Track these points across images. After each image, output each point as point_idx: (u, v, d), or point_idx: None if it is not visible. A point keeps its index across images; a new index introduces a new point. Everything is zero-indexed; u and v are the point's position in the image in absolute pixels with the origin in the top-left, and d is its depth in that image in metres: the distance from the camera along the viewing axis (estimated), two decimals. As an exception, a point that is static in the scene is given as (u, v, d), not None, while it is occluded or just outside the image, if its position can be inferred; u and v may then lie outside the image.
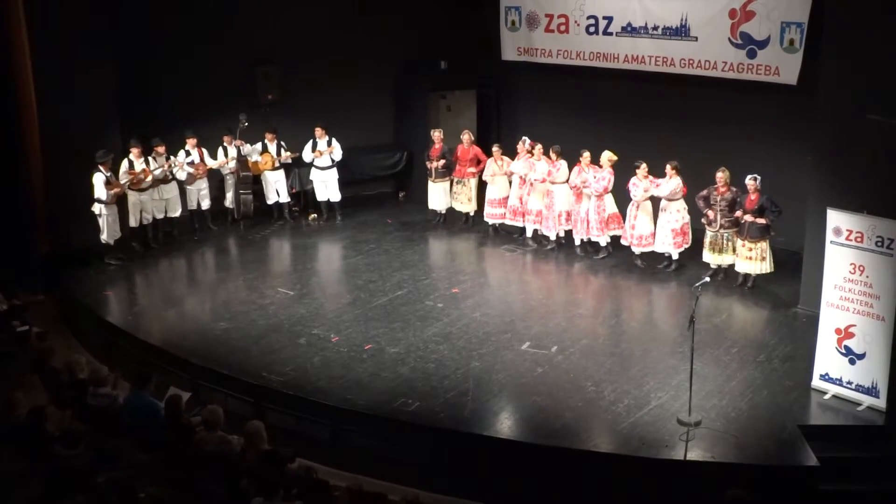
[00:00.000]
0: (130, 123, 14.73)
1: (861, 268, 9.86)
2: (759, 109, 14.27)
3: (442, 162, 15.74)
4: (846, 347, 10.03)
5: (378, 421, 9.93)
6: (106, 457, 7.60)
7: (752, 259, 12.64)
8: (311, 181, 16.26)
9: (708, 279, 10.21)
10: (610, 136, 16.20)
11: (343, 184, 16.28)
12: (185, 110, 15.25)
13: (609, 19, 15.41)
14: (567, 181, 14.41)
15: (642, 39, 15.07)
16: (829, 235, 10.12)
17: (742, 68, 13.98)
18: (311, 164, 16.08)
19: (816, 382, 10.26)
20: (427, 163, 15.89)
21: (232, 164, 15.67)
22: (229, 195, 16.01)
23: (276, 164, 15.97)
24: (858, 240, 9.88)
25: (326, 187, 16.11)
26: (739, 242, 12.73)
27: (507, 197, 15.18)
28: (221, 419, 8.25)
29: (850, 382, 10.02)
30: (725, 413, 9.79)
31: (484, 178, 15.41)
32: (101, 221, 13.99)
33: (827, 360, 10.18)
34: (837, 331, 10.08)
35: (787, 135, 13.89)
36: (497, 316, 12.38)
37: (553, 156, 14.49)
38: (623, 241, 14.03)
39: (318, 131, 15.85)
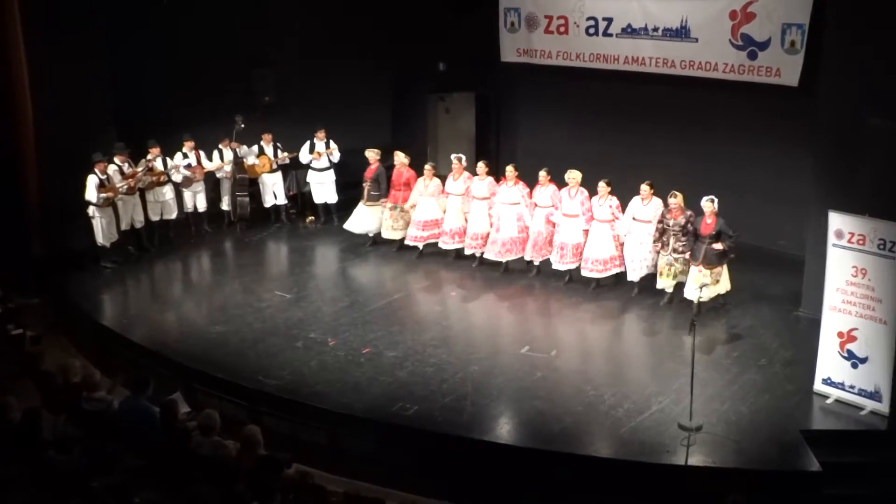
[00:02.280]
0: (126, 125, 14.72)
1: (863, 271, 9.84)
2: (760, 111, 14.26)
3: (367, 185, 14.77)
4: (848, 351, 10.01)
5: (375, 425, 9.91)
6: (100, 462, 7.57)
7: (709, 285, 11.70)
8: (308, 183, 16.23)
9: (708, 281, 10.20)
10: (609, 138, 16.26)
11: (340, 186, 16.26)
12: (181, 112, 15.23)
13: (609, 20, 15.41)
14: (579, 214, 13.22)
15: (643, 41, 15.07)
16: (831, 238, 10.09)
17: (743, 70, 13.98)
18: (308, 167, 16.06)
19: (818, 386, 10.24)
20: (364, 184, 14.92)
21: (228, 166, 15.65)
22: (226, 198, 16.00)
23: (273, 167, 15.95)
24: (861, 242, 9.85)
25: (324, 190, 16.08)
26: (695, 269, 12.01)
27: (438, 220, 14.23)
28: (217, 424, 8.22)
29: (852, 387, 10.00)
30: (727, 418, 9.78)
31: (409, 203, 14.36)
32: (96, 224, 13.97)
33: (829, 364, 10.16)
34: (840, 334, 10.06)
35: (788, 136, 13.87)
36: (495, 319, 12.35)
37: (543, 177, 13.50)
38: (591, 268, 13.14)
39: (319, 134, 15.81)
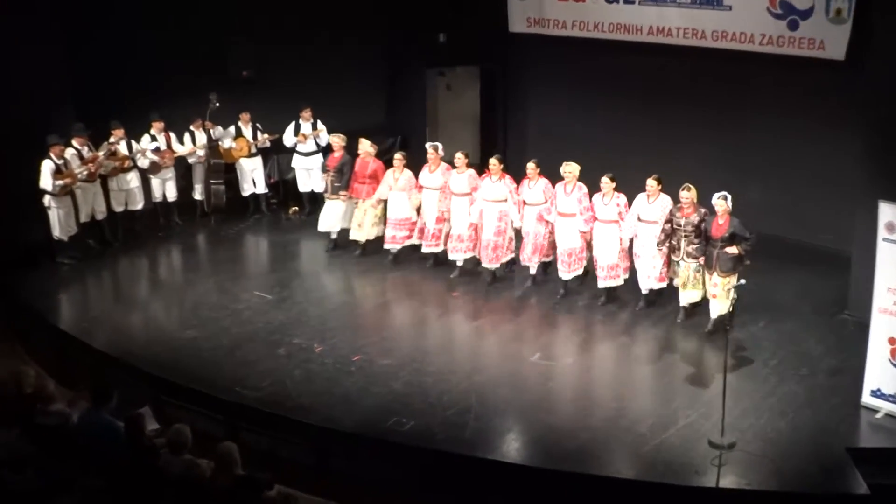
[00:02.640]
0: (86, 105, 14.72)
1: (918, 269, 9.85)
2: (800, 88, 14.27)
3: (330, 176, 14.53)
4: (901, 359, 10.03)
5: (368, 442, 9.91)
6: (57, 483, 7.57)
7: (718, 297, 11.56)
8: (293, 169, 16.23)
9: (743, 281, 10.18)
10: (630, 119, 16.27)
11: (328, 172, 16.26)
12: (148, 89, 15.22)
13: (632, -15, 15.43)
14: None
15: (669, 9, 15.08)
16: (882, 232, 10.08)
17: (782, 41, 13.98)
18: (293, 150, 16.05)
19: (867, 399, 10.24)
20: (324, 175, 14.95)
21: (201, 151, 15.66)
22: (198, 186, 16.01)
23: (252, 150, 15.97)
24: (915, 237, 9.86)
25: (310, 176, 16.06)
26: (709, 277, 11.74)
27: (411, 219, 13.98)
28: (189, 440, 8.22)
29: (905, 399, 10.02)
30: (763, 434, 9.78)
31: (375, 198, 14.10)
32: (52, 215, 13.98)
33: (879, 374, 10.15)
34: (891, 340, 10.07)
35: (832, 117, 13.88)
36: (502, 323, 12.36)
37: (531, 170, 13.13)
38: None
39: (305, 113, 15.81)
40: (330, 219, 14.62)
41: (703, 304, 12.06)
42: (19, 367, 9.74)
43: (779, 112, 14.55)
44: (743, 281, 10.11)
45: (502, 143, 18.57)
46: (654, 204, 12.22)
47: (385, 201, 14.11)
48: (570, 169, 12.74)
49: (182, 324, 12.51)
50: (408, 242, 14.07)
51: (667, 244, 12.01)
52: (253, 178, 16.23)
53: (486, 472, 9.54)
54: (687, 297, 12.05)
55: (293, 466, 9.96)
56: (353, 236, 14.41)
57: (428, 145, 13.98)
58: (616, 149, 16.52)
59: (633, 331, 12.24)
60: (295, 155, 16.10)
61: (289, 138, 15.95)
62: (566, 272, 12.83)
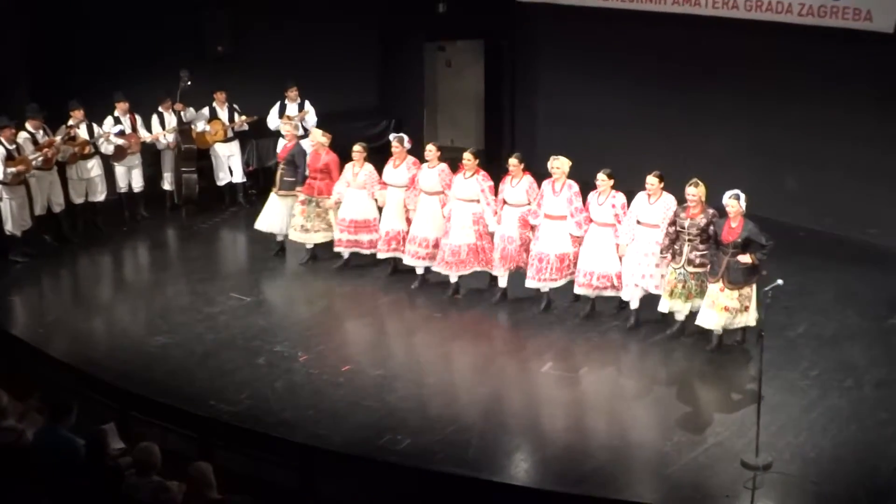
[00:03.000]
0: (41, 84, 14.71)
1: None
2: (845, 64, 14.27)
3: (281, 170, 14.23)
4: (957, 369, 10.04)
5: (358, 462, 9.92)
6: (10, 508, 7.60)
7: (731, 310, 11.19)
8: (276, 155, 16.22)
9: (780, 282, 10.13)
10: (651, 99, 16.28)
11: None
12: (112, 66, 15.24)
13: (654, -51, 15.46)
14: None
15: (696, -25, 15.10)
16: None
17: (824, 12, 13.99)
18: (276, 134, 16.04)
19: (919, 414, 10.26)
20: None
21: (171, 135, 15.65)
22: (168, 174, 16.03)
23: (229, 135, 15.99)
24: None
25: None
26: (714, 287, 11.30)
27: (371, 220, 13.69)
28: (158, 460, 8.22)
29: (961, 414, 10.03)
30: (803, 453, 9.77)
31: (333, 198, 13.78)
32: (3, 207, 14.00)
33: (932, 386, 10.17)
34: (946, 348, 10.07)
35: (880, 96, 13.89)
36: (509, 329, 12.36)
37: (514, 166, 12.70)
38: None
39: (291, 93, 15.81)
40: (273, 217, 14.25)
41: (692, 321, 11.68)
42: (-34, 379, 9.74)
43: (819, 92, 14.56)
44: (780, 281, 10.07)
45: (509, 127, 18.60)
46: (655, 204, 11.83)
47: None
48: (559, 164, 12.33)
49: (150, 329, 12.50)
50: (360, 250, 13.76)
51: (671, 251, 11.60)
52: (229, 165, 16.24)
53: (491, 496, 9.53)
54: (676, 306, 11.70)
55: (274, 489, 9.97)
56: (294, 237, 14.09)
57: (392, 137, 13.75)
58: (634, 133, 16.60)
59: (663, 335, 12.22)
60: (281, 140, 16.07)
61: (273, 120, 15.95)
62: (554, 279, 12.42)
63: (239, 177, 16.37)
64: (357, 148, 13.74)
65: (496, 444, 10.10)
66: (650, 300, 12.09)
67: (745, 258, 11.08)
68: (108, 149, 15.14)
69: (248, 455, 10.24)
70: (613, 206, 12.05)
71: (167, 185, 16.09)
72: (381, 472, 9.84)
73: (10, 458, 8.53)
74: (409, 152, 13.65)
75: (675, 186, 15.76)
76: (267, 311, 12.86)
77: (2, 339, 12.51)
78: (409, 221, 13.35)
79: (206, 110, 15.90)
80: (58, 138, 14.44)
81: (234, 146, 16.14)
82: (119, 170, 15.47)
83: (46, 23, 14.91)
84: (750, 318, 11.34)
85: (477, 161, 12.91)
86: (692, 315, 11.70)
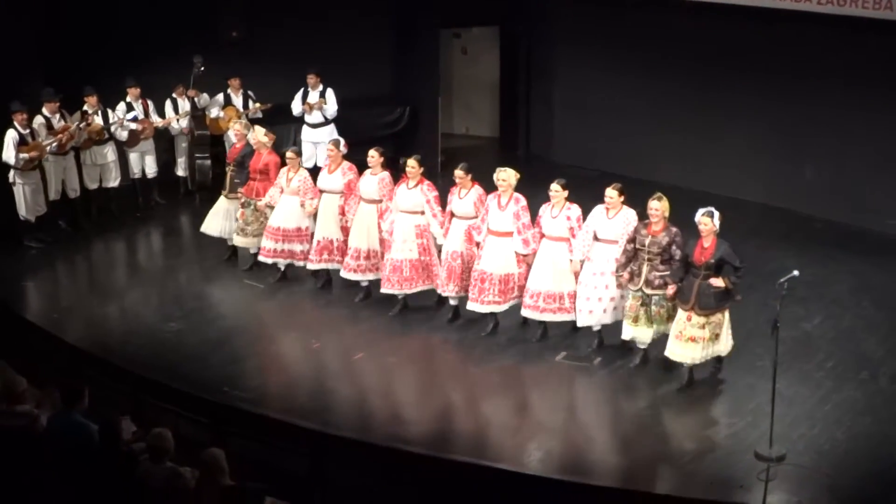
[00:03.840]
0: (55, 69, 14.75)
1: None
2: (865, 53, 14.23)
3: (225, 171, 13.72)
4: (974, 362, 10.03)
5: (371, 450, 9.97)
6: (23, 492, 7.64)
7: (702, 339, 10.41)
8: (300, 142, 16.20)
9: (797, 272, 10.08)
10: (671, 88, 16.24)
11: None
12: (125, 52, 15.26)
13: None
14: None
15: (716, -38, 15.06)
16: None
17: (844, 0, 13.91)
18: (298, 120, 16.07)
19: (935, 407, 10.26)
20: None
21: (184, 121, 15.70)
22: (181, 161, 16.07)
23: (243, 121, 15.97)
24: None
25: (317, 151, 15.95)
26: (682, 315, 10.51)
27: (304, 229, 13.02)
28: (171, 446, 8.28)
29: (978, 407, 10.02)
30: (817, 446, 9.79)
31: (265, 199, 13.15)
32: (18, 193, 14.05)
33: (949, 379, 10.17)
34: (963, 341, 10.06)
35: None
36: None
37: (461, 177, 11.85)
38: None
39: (311, 79, 15.78)
40: (217, 221, 13.82)
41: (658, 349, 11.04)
42: (-19, 364, 9.81)
43: (838, 82, 14.52)
44: (796, 272, 10.06)
45: (524, 114, 18.59)
46: (614, 219, 11.04)
47: None
48: (505, 177, 11.52)
49: (163, 315, 12.58)
50: (286, 261, 13.13)
51: (628, 270, 10.85)
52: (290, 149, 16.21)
53: (506, 486, 9.57)
54: (638, 333, 10.95)
55: (288, 476, 10.01)
56: (236, 242, 13.59)
57: (329, 140, 13.23)
58: (651, 121, 16.58)
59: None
60: (304, 127, 16.11)
61: (296, 106, 15.92)
62: (497, 302, 11.62)
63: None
64: (289, 154, 13.08)
65: (510, 434, 10.15)
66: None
67: (718, 281, 10.31)
68: (121, 135, 15.17)
69: (261, 442, 10.30)
70: (569, 218, 11.27)
71: (181, 171, 16.14)
72: (394, 459, 9.89)
73: (25, 442, 8.60)
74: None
75: (690, 178, 15.89)
76: (280, 298, 12.88)
77: (16, 324, 12.60)
78: (344, 230, 12.70)
79: (220, 96, 15.93)
80: (73, 125, 14.48)
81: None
82: (132, 156, 15.50)
83: (60, 9, 14.94)
84: (721, 347, 10.63)
85: (421, 169, 12.12)
86: (657, 342, 10.99)
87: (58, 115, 14.42)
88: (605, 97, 16.79)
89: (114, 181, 15.30)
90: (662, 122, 16.48)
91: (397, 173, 12.65)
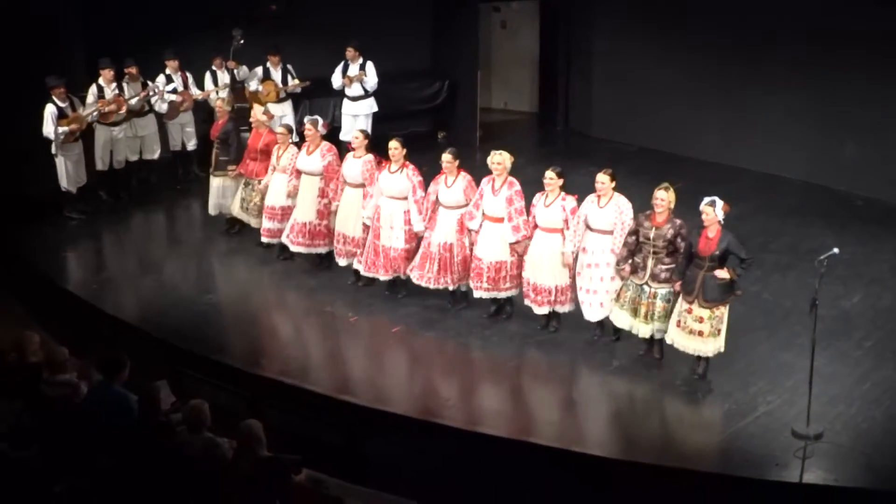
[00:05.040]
0: (97, 42, 14.81)
1: None
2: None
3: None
4: None
5: (408, 423, 10.00)
6: (64, 461, 7.73)
7: (704, 334, 10.15)
8: (339, 115, 16.19)
9: (837, 250, 9.98)
10: (711, 62, 16.12)
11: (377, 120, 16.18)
12: (163, 24, 15.29)
13: None
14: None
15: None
16: None
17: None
18: (337, 94, 16.08)
19: (975, 387, 10.17)
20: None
21: (223, 93, 15.74)
22: (221, 133, 16.12)
23: (282, 95, 16.01)
24: None
25: (356, 124, 15.86)
26: (683, 306, 10.26)
27: (287, 207, 12.80)
28: (208, 417, 8.34)
29: None
30: (855, 424, 9.73)
31: (265, 179, 13.04)
32: (60, 164, 14.15)
33: None
34: None
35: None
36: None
37: (448, 162, 11.48)
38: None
39: (350, 52, 15.76)
40: (216, 199, 13.82)
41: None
42: (23, 333, 9.88)
43: (880, 58, 14.35)
44: (836, 250, 9.97)
45: (563, 89, 18.51)
46: (606, 207, 10.65)
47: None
48: (500, 160, 11.09)
49: (202, 287, 12.67)
50: (278, 241, 12.98)
51: (629, 263, 10.54)
52: (281, 125, 16.26)
53: (539, 460, 9.59)
54: (648, 329, 10.58)
55: (325, 449, 10.07)
56: (238, 215, 13.56)
57: (306, 120, 12.85)
58: (690, 96, 16.47)
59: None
60: (345, 101, 16.11)
61: (336, 79, 15.92)
62: (490, 291, 11.42)
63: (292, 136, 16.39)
64: (280, 129, 13.03)
65: (545, 409, 10.15)
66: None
67: (723, 273, 9.98)
68: (161, 107, 15.24)
69: (297, 414, 10.36)
70: (563, 208, 10.85)
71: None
72: (430, 433, 9.92)
73: (66, 412, 8.69)
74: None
75: (729, 154, 15.79)
76: (318, 271, 12.89)
77: (57, 295, 12.71)
78: (321, 214, 12.49)
79: (259, 70, 15.93)
80: (130, 98, 14.56)
81: (287, 106, 16.16)
82: (172, 128, 15.57)
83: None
84: (719, 344, 10.21)
85: (404, 152, 11.70)
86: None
87: (113, 85, 14.49)
88: (645, 72, 16.69)
89: (154, 153, 15.38)
90: (701, 97, 16.36)
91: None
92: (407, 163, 11.72)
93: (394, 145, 11.67)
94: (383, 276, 11.96)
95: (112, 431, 8.23)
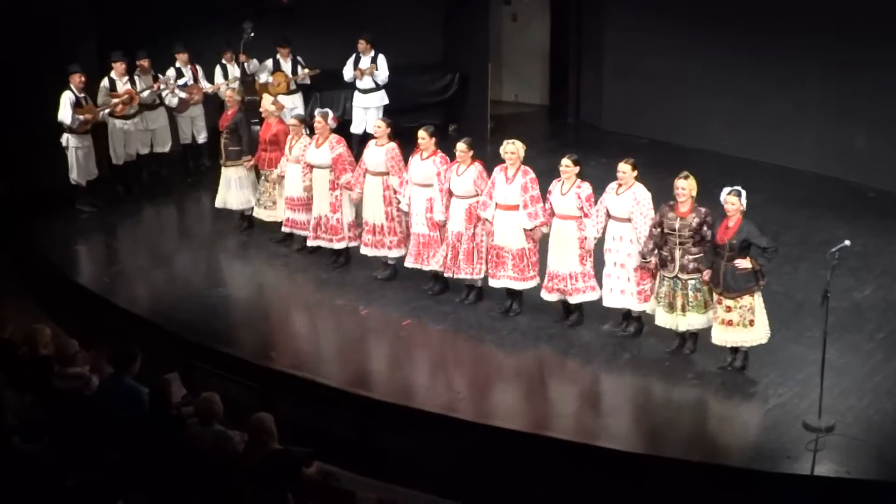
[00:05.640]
0: (108, 32, 14.83)
1: None
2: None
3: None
4: None
5: (418, 416, 10.01)
6: (75, 454, 7.74)
7: (734, 324, 10.15)
8: (350, 107, 16.18)
9: (848, 242, 9.94)
10: (721, 54, 16.10)
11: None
12: (173, 16, 15.29)
13: None
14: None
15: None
16: None
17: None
18: (349, 86, 16.06)
19: None
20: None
21: (234, 86, 15.73)
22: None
23: (291, 87, 16.01)
24: None
25: (366, 117, 15.91)
26: (715, 297, 10.30)
27: (305, 198, 12.78)
28: (220, 410, 8.35)
29: None
30: (866, 417, 9.71)
31: (280, 172, 13.05)
32: (71, 156, 14.17)
33: None
34: None
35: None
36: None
37: (462, 151, 11.45)
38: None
39: (362, 45, 15.73)
40: (223, 194, 13.73)
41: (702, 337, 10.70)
42: (34, 326, 9.90)
43: (891, 51, 14.28)
44: (847, 242, 9.94)
45: (574, 82, 18.49)
46: (623, 195, 10.66)
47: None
48: (513, 149, 11.11)
49: (212, 280, 12.70)
50: (303, 232, 12.89)
51: (656, 255, 10.49)
52: (292, 117, 16.26)
53: (547, 451, 9.59)
54: (669, 319, 10.54)
55: (335, 441, 10.08)
56: (260, 216, 13.50)
57: (317, 112, 12.88)
58: (701, 89, 16.44)
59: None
60: (356, 93, 16.07)
61: (347, 72, 15.90)
62: (516, 280, 11.39)
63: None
64: (292, 120, 13.04)
65: (556, 403, 10.15)
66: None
67: (744, 263, 9.98)
68: (171, 101, 15.25)
69: (308, 406, 10.37)
70: (578, 196, 10.84)
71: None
72: (440, 426, 9.93)
73: (77, 404, 8.71)
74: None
75: (739, 146, 15.78)
76: (328, 264, 12.87)
77: (68, 288, 12.73)
78: (332, 207, 12.45)
79: (269, 62, 15.92)
80: (142, 91, 14.58)
81: (297, 98, 16.15)
82: (182, 121, 15.59)
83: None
84: (757, 335, 10.22)
85: (433, 140, 11.71)
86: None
87: (125, 78, 14.50)
88: (655, 65, 16.65)
89: (165, 146, 15.40)
90: (711, 89, 16.32)
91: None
92: (437, 150, 11.74)
93: (421, 135, 11.71)
94: (417, 265, 11.95)
95: (123, 424, 8.24)
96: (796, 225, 13.74)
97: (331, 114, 12.81)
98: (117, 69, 14.44)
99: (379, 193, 12.10)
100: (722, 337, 10.30)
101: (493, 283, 11.53)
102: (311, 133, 12.79)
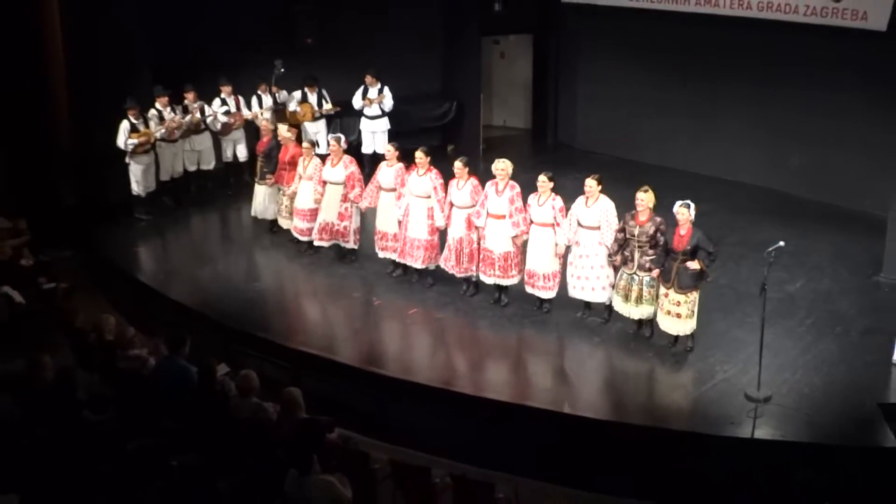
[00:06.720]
0: (161, 67, 14.84)
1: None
2: (843, 58, 14.00)
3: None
4: (933, 320, 9.90)
5: (425, 390, 10.04)
6: (136, 423, 7.78)
7: (682, 316, 10.28)
8: (359, 132, 16.20)
9: (783, 243, 10.00)
10: (677, 86, 16.12)
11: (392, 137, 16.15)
12: (217, 54, 15.29)
13: (682, -43, 15.19)
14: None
15: (717, -21, 14.84)
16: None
17: (826, 12, 13.69)
18: (360, 113, 16.07)
19: (899, 357, 10.14)
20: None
21: (267, 113, 15.75)
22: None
23: (317, 115, 16.00)
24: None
25: (374, 138, 15.99)
26: (663, 291, 10.37)
27: (313, 210, 12.86)
28: (256, 385, 8.38)
29: (936, 358, 9.90)
30: (798, 389, 9.75)
31: (292, 187, 13.10)
32: (131, 172, 14.18)
33: (912, 334, 10.04)
34: (924, 302, 9.92)
35: (875, 85, 13.64)
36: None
37: (459, 169, 11.51)
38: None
39: (369, 79, 15.76)
40: (259, 205, 13.84)
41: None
42: (101, 316, 9.93)
43: (822, 80, 14.29)
44: (782, 242, 9.98)
45: (553, 109, 18.49)
46: (592, 207, 10.77)
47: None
48: (503, 166, 11.21)
49: (249, 276, 12.70)
50: (309, 239, 12.96)
51: (620, 255, 10.61)
52: (317, 140, 16.28)
53: (536, 422, 9.63)
54: (628, 309, 10.70)
55: (354, 412, 10.10)
56: (284, 224, 13.48)
57: (330, 137, 13.03)
58: (661, 115, 16.47)
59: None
60: (362, 118, 16.08)
61: (357, 101, 15.92)
62: (501, 278, 11.44)
63: (323, 149, 16.38)
64: (305, 145, 13.07)
65: (539, 380, 10.16)
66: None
67: (694, 264, 10.09)
68: (216, 126, 15.26)
69: (330, 382, 10.40)
70: (553, 207, 10.95)
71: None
72: (443, 400, 9.95)
73: (137, 382, 8.74)
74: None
75: (694, 163, 15.77)
76: (345, 263, 12.88)
77: (130, 284, 12.76)
78: (341, 216, 12.55)
79: (297, 93, 15.92)
80: (187, 118, 14.58)
81: (321, 124, 16.13)
82: (225, 142, 15.59)
83: (164, 20, 14.97)
84: (694, 323, 10.37)
85: (428, 159, 11.80)
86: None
87: (168, 109, 14.51)
88: (621, 94, 16.67)
89: (210, 164, 15.40)
90: (669, 115, 16.33)
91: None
92: (431, 167, 11.81)
93: (419, 155, 11.78)
94: (412, 263, 11.99)
95: (176, 398, 8.28)
96: (739, 228, 13.75)
97: (342, 137, 12.88)
98: (160, 102, 14.42)
99: (393, 206, 12.16)
100: (670, 326, 10.39)
101: (483, 278, 11.59)
102: (327, 155, 12.83)
